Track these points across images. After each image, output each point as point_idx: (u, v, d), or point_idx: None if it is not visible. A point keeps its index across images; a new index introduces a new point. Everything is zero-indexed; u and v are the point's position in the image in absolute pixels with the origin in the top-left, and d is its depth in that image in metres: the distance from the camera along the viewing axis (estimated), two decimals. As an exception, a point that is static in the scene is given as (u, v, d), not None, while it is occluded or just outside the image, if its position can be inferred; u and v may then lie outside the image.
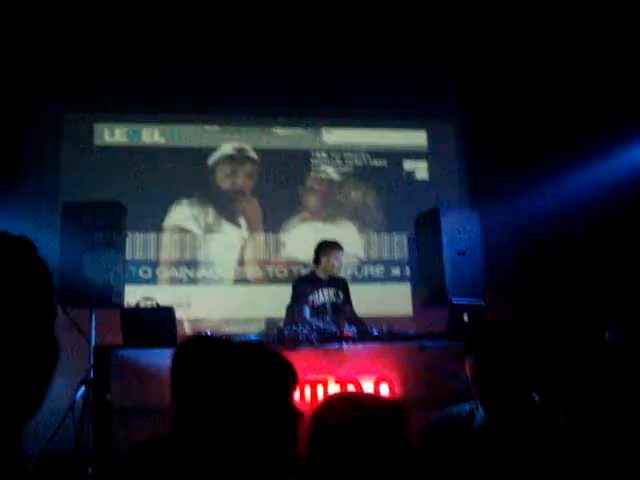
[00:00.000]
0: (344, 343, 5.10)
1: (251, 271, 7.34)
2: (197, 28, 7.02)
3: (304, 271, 6.68)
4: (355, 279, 7.25)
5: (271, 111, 7.58)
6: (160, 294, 5.82)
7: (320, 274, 5.89)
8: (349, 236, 7.46)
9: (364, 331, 5.35)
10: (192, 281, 7.19)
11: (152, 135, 7.49)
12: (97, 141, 7.39)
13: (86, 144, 7.32)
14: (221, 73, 7.39)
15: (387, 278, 7.54)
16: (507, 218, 7.03)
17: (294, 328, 5.12)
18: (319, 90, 7.38)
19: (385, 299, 7.29)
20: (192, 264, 7.24)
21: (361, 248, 7.64)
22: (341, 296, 5.92)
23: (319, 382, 4.91)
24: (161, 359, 4.50)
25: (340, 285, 5.96)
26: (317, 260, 5.91)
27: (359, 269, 7.55)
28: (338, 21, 6.98)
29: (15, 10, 6.46)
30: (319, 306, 5.77)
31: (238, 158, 7.62)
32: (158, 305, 5.12)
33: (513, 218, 7.07)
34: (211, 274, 7.24)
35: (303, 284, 5.87)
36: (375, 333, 5.29)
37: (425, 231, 6.23)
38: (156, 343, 4.68)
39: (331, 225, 7.62)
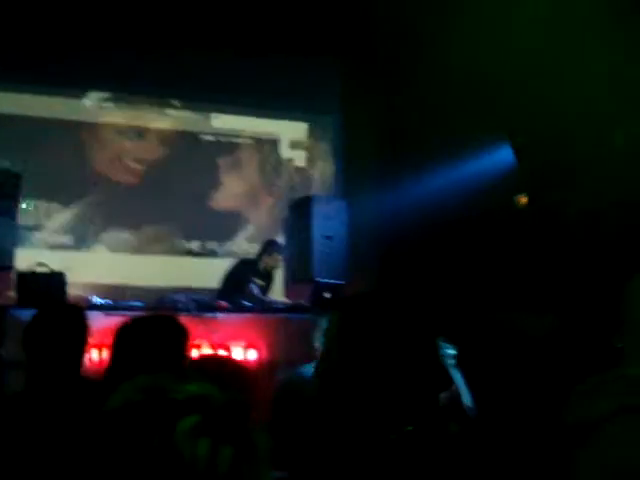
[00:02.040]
0: (217, 312, 5.80)
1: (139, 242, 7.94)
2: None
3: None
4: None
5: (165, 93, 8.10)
6: (49, 259, 6.28)
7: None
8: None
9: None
10: (79, 248, 7.73)
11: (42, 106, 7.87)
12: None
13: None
14: (121, 50, 7.71)
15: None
16: (373, 209, 7.85)
17: (173, 297, 5.79)
18: (211, 78, 7.89)
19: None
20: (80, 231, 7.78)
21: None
22: None
23: (194, 346, 5.56)
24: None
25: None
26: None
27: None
28: (237, 15, 7.52)
29: None
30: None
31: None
32: (52, 270, 5.64)
33: (378, 209, 7.90)
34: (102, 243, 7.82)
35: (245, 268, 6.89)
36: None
37: (298, 216, 6.95)
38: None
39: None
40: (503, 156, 6.65)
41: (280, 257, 6.83)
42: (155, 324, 2.73)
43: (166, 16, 7.48)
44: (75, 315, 2.76)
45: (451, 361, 4.08)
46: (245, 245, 8.23)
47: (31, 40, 7.35)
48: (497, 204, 6.59)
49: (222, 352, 5.64)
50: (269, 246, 6.92)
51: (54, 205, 7.76)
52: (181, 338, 2.66)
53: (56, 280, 5.50)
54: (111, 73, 7.61)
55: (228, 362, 2.55)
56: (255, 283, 6.67)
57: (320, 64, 8.21)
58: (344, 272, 6.58)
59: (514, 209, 6.72)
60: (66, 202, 7.79)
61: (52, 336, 2.60)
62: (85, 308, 3.13)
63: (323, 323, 3.34)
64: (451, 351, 4.08)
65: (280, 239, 7.23)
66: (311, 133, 8.71)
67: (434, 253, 7.12)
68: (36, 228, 7.60)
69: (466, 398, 3.77)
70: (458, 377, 3.97)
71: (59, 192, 7.76)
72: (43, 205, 7.66)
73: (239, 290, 6.55)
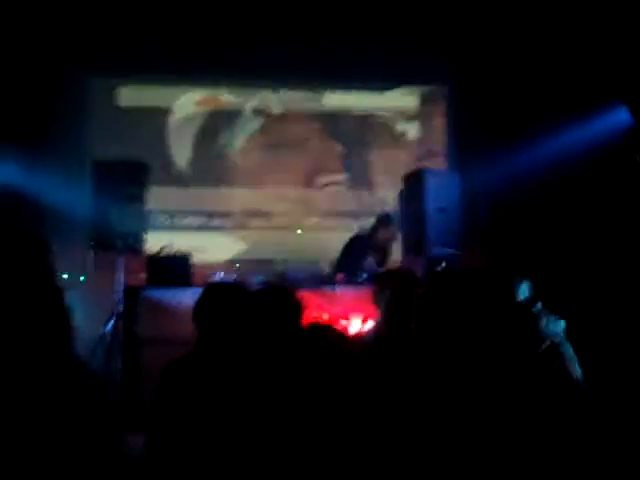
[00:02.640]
0: (336, 286, 6.01)
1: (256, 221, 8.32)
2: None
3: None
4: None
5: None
6: (177, 240, 6.70)
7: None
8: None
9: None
10: (206, 228, 8.17)
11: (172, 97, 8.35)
12: (120, 103, 8.23)
13: (110, 106, 8.15)
14: (233, 42, 8.08)
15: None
16: (486, 179, 7.82)
17: (295, 272, 6.04)
18: (322, 59, 8.10)
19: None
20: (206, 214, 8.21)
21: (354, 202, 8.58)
22: None
23: (316, 318, 5.80)
24: (181, 297, 5.46)
25: None
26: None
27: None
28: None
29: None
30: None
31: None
32: (177, 251, 6.02)
33: (491, 179, 7.86)
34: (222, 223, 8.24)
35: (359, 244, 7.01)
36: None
37: (411, 189, 7.01)
38: (176, 283, 5.63)
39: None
40: (619, 117, 6.48)
41: (395, 230, 6.93)
42: (273, 297, 3.08)
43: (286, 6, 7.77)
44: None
45: (561, 335, 4.08)
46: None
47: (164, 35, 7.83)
48: (615, 166, 6.44)
49: (343, 322, 5.86)
50: (384, 219, 7.03)
51: (176, 190, 8.25)
52: (296, 310, 3.02)
53: (182, 260, 5.89)
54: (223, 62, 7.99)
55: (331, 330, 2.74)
56: (372, 256, 6.81)
57: (429, 43, 8.24)
58: (459, 243, 6.61)
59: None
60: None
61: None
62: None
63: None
64: (561, 325, 4.09)
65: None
66: (423, 105, 8.75)
67: (549, 220, 7.04)
68: (162, 212, 8.09)
69: (576, 370, 3.80)
70: (569, 350, 3.99)
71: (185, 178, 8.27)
72: (166, 190, 8.14)
73: (357, 264, 6.72)
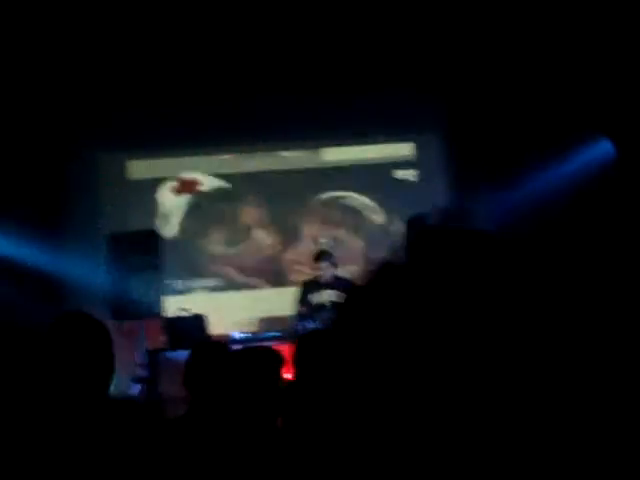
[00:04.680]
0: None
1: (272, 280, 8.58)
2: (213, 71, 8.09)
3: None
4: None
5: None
6: (190, 302, 6.99)
7: (320, 278, 6.97)
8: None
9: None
10: (220, 289, 8.46)
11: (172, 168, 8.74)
12: (130, 177, 8.65)
13: (120, 180, 8.54)
14: (232, 106, 8.45)
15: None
16: (485, 220, 8.08)
17: (305, 325, 6.30)
18: (316, 115, 8.43)
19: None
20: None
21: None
22: (341, 295, 6.98)
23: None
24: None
25: (342, 286, 6.94)
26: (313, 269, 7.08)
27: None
28: (330, 57, 8.02)
29: (45, 58, 7.47)
30: (318, 305, 6.87)
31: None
32: (194, 314, 6.32)
33: (490, 220, 8.12)
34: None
35: (305, 287, 7.04)
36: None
37: (414, 232, 7.29)
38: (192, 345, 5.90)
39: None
40: (603, 149, 6.78)
41: (323, 264, 6.97)
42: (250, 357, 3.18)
43: (270, 61, 8.10)
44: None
45: None
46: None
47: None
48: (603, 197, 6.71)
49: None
50: (314, 256, 7.19)
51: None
52: (275, 365, 3.08)
53: (198, 322, 6.18)
54: (225, 128, 8.36)
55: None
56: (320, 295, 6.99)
57: (421, 91, 8.55)
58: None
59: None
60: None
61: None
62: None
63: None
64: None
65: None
66: (419, 152, 9.08)
67: (548, 260, 7.25)
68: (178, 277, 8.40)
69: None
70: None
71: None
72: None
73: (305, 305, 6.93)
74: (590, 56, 7.10)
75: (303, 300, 6.93)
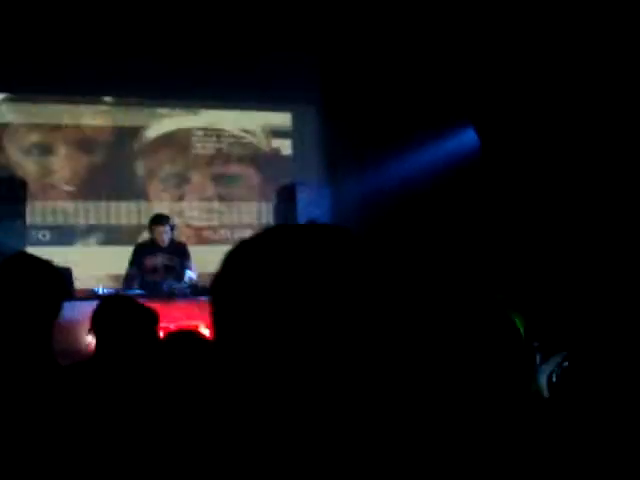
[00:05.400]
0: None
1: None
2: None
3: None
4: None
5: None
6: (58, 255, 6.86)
7: (157, 242, 6.91)
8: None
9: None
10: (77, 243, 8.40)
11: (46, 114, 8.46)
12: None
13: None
14: (107, 62, 8.27)
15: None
16: (354, 194, 8.40)
17: (171, 283, 6.39)
18: (199, 75, 8.42)
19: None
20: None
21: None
22: (175, 260, 6.95)
23: (192, 327, 6.12)
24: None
25: (177, 251, 7.00)
26: (149, 231, 7.02)
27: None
28: (216, 19, 8.02)
29: None
30: (150, 268, 6.87)
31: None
32: (60, 267, 6.21)
33: (358, 194, 8.45)
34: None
35: (139, 249, 7.02)
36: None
37: (284, 202, 7.50)
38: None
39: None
40: (468, 138, 7.21)
41: (161, 228, 6.90)
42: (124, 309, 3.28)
43: (154, 20, 8.00)
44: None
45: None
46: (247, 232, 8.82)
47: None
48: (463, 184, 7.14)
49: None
50: (153, 218, 7.09)
51: (59, 203, 8.37)
52: (150, 321, 3.23)
53: (62, 274, 6.09)
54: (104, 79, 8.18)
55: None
56: (157, 256, 6.96)
57: (301, 59, 8.70)
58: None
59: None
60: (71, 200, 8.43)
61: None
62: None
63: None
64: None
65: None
66: (295, 123, 9.23)
67: (410, 233, 7.67)
68: (43, 228, 8.20)
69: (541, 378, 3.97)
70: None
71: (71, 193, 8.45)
72: (49, 205, 8.25)
73: (140, 267, 6.90)
74: (464, 46, 7.46)
75: (134, 262, 6.90)
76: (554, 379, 3.62)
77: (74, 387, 2.39)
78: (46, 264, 2.42)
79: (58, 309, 2.36)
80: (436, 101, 7.88)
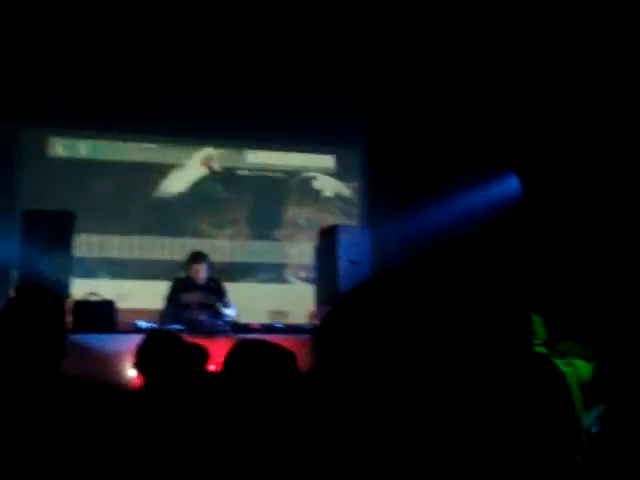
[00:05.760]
0: (251, 333, 6.43)
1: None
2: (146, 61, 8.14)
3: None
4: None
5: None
6: (101, 287, 7.01)
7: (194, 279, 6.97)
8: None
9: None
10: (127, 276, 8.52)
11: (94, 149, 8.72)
12: (50, 154, 8.56)
13: (39, 157, 8.46)
14: (162, 98, 8.52)
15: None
16: (395, 236, 8.44)
17: (212, 320, 6.45)
18: (245, 118, 8.62)
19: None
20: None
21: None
22: (211, 298, 6.98)
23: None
24: (104, 342, 5.81)
25: (213, 288, 7.05)
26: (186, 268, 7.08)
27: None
28: (264, 62, 8.22)
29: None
30: (185, 305, 6.90)
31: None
32: (103, 299, 6.37)
33: (400, 235, 8.48)
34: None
35: (176, 285, 7.04)
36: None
37: (325, 243, 7.53)
38: (100, 329, 6.00)
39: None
40: (510, 185, 7.21)
41: (198, 266, 6.97)
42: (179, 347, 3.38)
43: (200, 62, 8.23)
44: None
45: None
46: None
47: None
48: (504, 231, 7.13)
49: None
50: (192, 256, 7.14)
51: (106, 238, 8.56)
52: (200, 358, 3.30)
53: (106, 307, 6.24)
54: (154, 118, 8.40)
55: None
56: (194, 294, 7.02)
57: (347, 105, 8.86)
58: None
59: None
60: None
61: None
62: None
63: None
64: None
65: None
66: (338, 166, 9.36)
67: (448, 274, 7.66)
68: (90, 260, 8.38)
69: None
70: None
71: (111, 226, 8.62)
72: (95, 239, 8.44)
73: (174, 302, 6.97)
74: (509, 95, 7.52)
75: (172, 298, 6.95)
76: (593, 430, 3.58)
77: (126, 418, 2.49)
78: (52, 298, 2.48)
79: (58, 342, 2.42)
80: (479, 148, 7.93)
